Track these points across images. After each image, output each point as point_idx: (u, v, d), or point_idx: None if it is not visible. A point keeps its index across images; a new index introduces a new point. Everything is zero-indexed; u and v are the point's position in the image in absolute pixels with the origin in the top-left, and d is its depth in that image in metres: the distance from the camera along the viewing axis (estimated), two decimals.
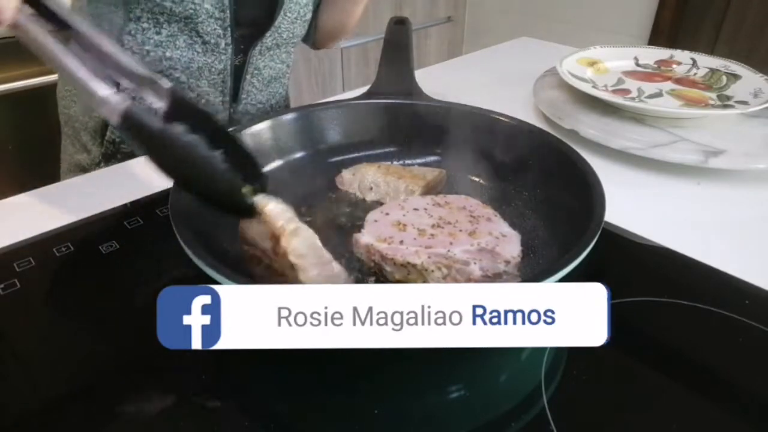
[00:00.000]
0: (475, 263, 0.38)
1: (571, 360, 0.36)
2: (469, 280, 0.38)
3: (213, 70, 0.73)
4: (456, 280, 0.38)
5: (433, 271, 0.39)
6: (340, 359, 0.37)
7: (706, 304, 0.41)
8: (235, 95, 0.76)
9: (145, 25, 0.68)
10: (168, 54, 0.70)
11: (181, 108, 0.38)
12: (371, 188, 0.51)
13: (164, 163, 0.36)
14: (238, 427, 0.32)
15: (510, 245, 0.40)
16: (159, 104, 0.38)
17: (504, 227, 0.43)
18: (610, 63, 0.78)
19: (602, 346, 0.38)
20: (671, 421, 0.32)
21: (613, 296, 0.41)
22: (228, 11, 0.69)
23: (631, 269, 0.46)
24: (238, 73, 0.76)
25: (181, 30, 0.69)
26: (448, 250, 0.40)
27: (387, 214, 0.45)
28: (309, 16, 0.78)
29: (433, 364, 0.37)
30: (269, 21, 0.73)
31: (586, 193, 0.40)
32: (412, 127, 0.56)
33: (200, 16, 0.67)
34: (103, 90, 0.36)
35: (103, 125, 0.74)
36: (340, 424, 0.33)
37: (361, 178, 0.51)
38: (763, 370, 0.36)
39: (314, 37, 0.87)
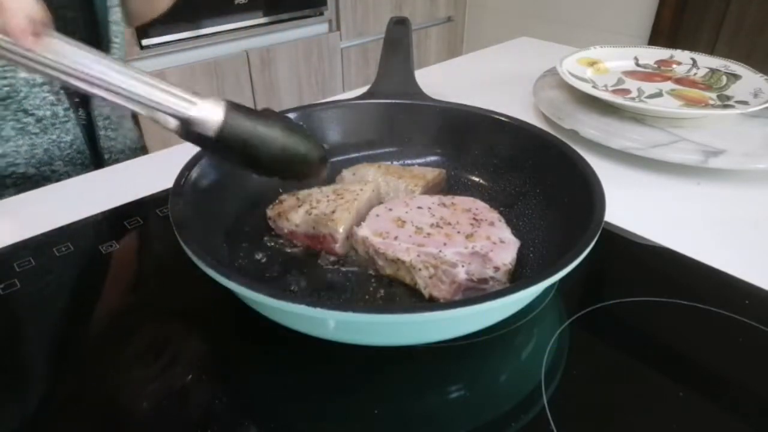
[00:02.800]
0: (462, 266, 0.38)
1: (571, 360, 0.36)
2: (453, 282, 0.38)
3: (62, 146, 0.61)
4: (441, 281, 0.39)
5: (420, 269, 0.39)
6: (340, 359, 0.37)
7: (706, 304, 0.41)
8: (98, 161, 0.65)
9: None
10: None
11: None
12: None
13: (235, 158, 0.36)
14: (238, 428, 0.32)
15: (504, 252, 0.40)
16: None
17: (505, 233, 0.43)
18: (610, 63, 0.78)
19: (602, 346, 0.38)
20: (671, 421, 0.32)
21: (613, 296, 0.42)
22: None
23: (631, 269, 0.46)
24: (89, 133, 0.64)
25: (2, 116, 0.56)
26: (440, 251, 0.40)
27: (390, 210, 0.45)
28: (123, 36, 0.68)
29: (433, 364, 0.37)
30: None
31: (586, 193, 0.40)
32: (412, 127, 0.56)
33: (20, 90, 0.55)
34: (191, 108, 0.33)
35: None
36: (340, 424, 0.33)
37: (361, 178, 0.51)
38: (763, 370, 0.36)
39: (125, 19, 0.74)
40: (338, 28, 1.98)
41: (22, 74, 0.55)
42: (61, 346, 0.39)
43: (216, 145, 0.35)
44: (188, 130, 0.35)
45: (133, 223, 0.50)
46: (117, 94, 0.33)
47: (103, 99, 0.34)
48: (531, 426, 0.32)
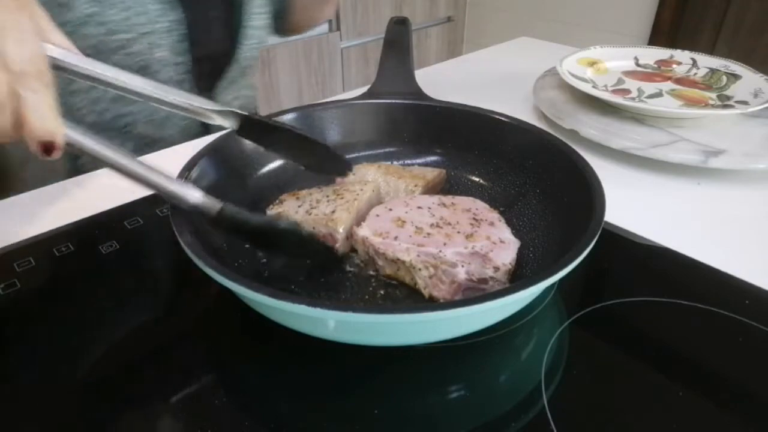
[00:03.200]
0: (462, 266, 0.38)
1: (571, 360, 0.36)
2: (453, 282, 0.38)
3: (179, 116, 0.68)
4: (441, 281, 0.39)
5: (420, 269, 0.39)
6: (340, 359, 0.37)
7: (706, 304, 0.41)
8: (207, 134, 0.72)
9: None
10: (126, 109, 0.65)
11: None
12: None
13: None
14: (238, 428, 0.32)
15: (505, 252, 0.40)
16: None
17: (505, 233, 0.43)
18: (610, 63, 0.78)
19: (602, 346, 0.38)
20: (671, 421, 0.32)
21: (613, 296, 0.42)
22: (186, 55, 0.65)
23: (631, 269, 0.46)
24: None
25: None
26: (440, 251, 0.40)
27: (390, 209, 0.45)
28: (267, 37, 0.75)
29: (433, 364, 0.37)
30: (228, 55, 0.70)
31: (586, 193, 0.40)
32: (411, 127, 0.56)
33: (152, 65, 0.63)
34: (193, 195, 0.38)
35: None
36: (340, 424, 0.33)
37: (361, 178, 0.51)
38: (763, 370, 0.36)
39: (282, 28, 0.83)
40: (338, 28, 1.98)
41: (159, 53, 0.62)
42: (61, 346, 0.39)
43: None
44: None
45: (133, 223, 0.50)
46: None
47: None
48: (531, 426, 0.32)
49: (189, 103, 0.40)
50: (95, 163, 0.36)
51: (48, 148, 0.33)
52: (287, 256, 0.43)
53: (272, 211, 0.47)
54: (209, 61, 0.69)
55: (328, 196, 0.47)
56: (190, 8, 0.64)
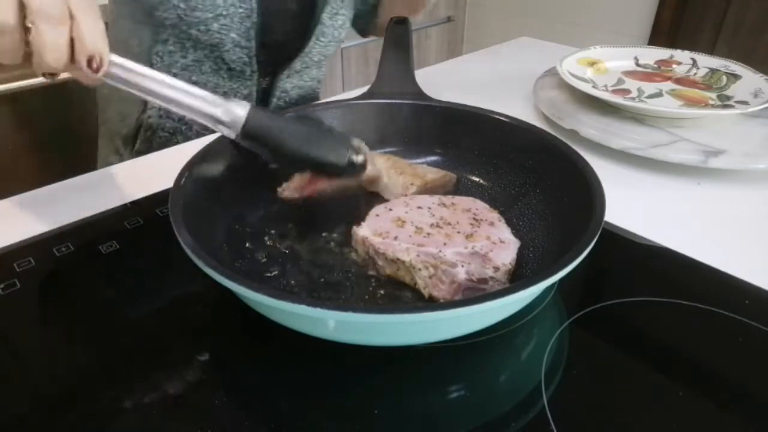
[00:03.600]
0: (462, 266, 0.38)
1: (571, 360, 0.36)
2: (453, 282, 0.38)
3: (238, 95, 0.73)
4: (441, 281, 0.39)
5: (420, 269, 0.39)
6: (340, 359, 0.37)
7: (706, 304, 0.41)
8: None
9: (172, 48, 0.68)
10: (194, 78, 0.70)
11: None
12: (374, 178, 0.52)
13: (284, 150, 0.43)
14: (238, 427, 0.32)
15: (504, 252, 0.40)
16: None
17: (505, 233, 0.43)
18: (610, 63, 0.78)
19: (602, 346, 0.38)
20: (671, 421, 0.32)
21: (613, 296, 0.42)
22: (254, 41, 0.68)
23: (631, 269, 0.46)
24: (264, 97, 0.75)
25: (207, 56, 0.69)
26: (440, 251, 0.40)
27: (390, 209, 0.45)
28: (344, 35, 0.77)
29: (433, 364, 0.37)
30: (300, 46, 0.72)
31: (586, 193, 0.40)
32: (412, 127, 0.56)
33: (226, 44, 0.67)
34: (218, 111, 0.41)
35: (135, 134, 0.74)
36: (340, 424, 0.33)
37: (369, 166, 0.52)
38: (763, 370, 0.36)
39: (366, 29, 0.86)
40: None
41: (232, 35, 0.67)
42: (61, 346, 0.39)
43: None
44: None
45: (133, 223, 0.50)
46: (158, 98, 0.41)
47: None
48: (531, 426, 0.32)
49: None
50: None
51: (94, 64, 0.37)
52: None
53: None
54: (276, 50, 0.72)
55: None
56: None
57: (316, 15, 0.71)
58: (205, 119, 0.41)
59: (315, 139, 0.43)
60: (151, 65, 0.68)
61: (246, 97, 0.73)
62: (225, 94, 0.69)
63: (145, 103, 0.73)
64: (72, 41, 0.36)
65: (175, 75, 0.67)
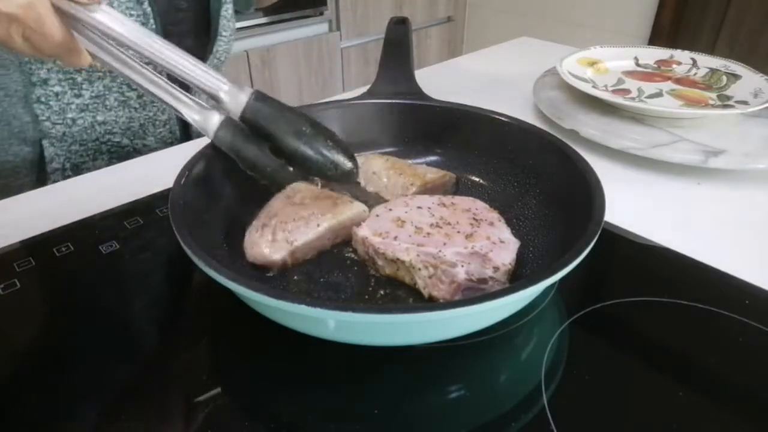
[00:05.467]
0: (462, 266, 0.38)
1: (571, 360, 0.36)
2: (453, 282, 0.38)
3: (157, 123, 0.66)
4: (440, 281, 0.39)
5: (420, 269, 0.39)
6: (340, 359, 0.37)
7: (706, 304, 0.41)
8: (186, 141, 0.69)
9: (58, 88, 0.58)
10: (100, 118, 0.61)
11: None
12: (373, 179, 0.52)
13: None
14: (238, 427, 0.32)
15: (504, 252, 0.40)
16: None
17: (504, 233, 0.43)
18: (610, 63, 0.78)
19: (602, 346, 0.38)
20: (671, 421, 0.32)
21: (613, 296, 0.42)
22: None
23: (631, 269, 0.46)
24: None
25: (108, 87, 0.60)
26: (439, 251, 0.40)
27: (390, 210, 0.45)
28: (235, 28, 0.73)
29: (433, 364, 0.37)
30: (205, 48, 0.67)
31: (586, 193, 0.40)
32: (412, 127, 0.56)
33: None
34: (194, 113, 0.42)
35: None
36: (340, 424, 0.33)
37: (368, 168, 0.52)
38: (763, 370, 0.36)
39: (247, 5, 0.81)
40: (338, 28, 1.98)
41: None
42: (61, 347, 0.39)
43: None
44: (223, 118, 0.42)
45: (133, 223, 0.50)
46: (162, 65, 0.41)
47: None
48: (531, 426, 0.32)
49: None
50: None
51: None
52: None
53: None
54: None
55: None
56: (156, 0, 0.61)
57: (213, 9, 0.67)
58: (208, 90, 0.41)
59: (311, 133, 0.44)
60: (35, 117, 0.60)
61: (166, 124, 0.67)
62: (142, 126, 0.64)
63: (39, 169, 0.65)
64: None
65: (74, 121, 0.61)
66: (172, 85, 0.43)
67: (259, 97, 0.43)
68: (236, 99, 0.42)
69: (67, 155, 0.66)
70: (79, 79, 0.59)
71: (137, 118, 0.64)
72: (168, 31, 0.63)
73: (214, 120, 0.43)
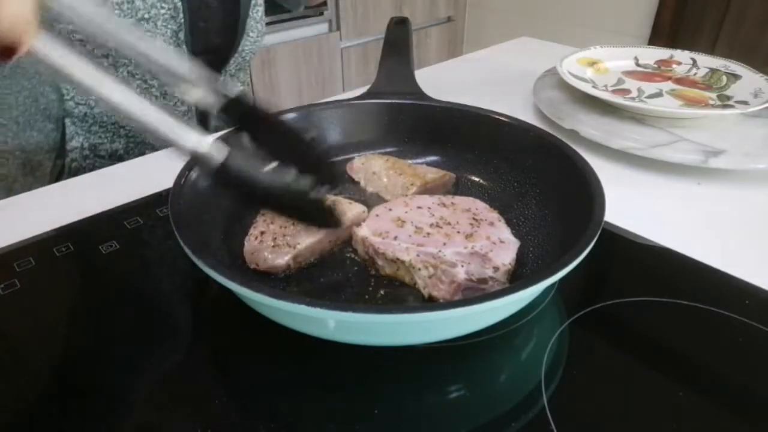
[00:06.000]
0: (462, 266, 0.38)
1: (571, 360, 0.36)
2: (452, 282, 0.38)
3: (176, 114, 0.64)
4: (440, 281, 0.39)
5: (420, 269, 0.39)
6: (340, 359, 0.37)
7: (706, 304, 0.41)
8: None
9: None
10: None
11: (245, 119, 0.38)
12: (373, 179, 0.52)
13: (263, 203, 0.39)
14: (238, 427, 0.32)
15: (504, 252, 0.40)
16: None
17: (504, 233, 0.43)
18: (610, 63, 0.78)
19: (602, 346, 0.38)
20: (671, 421, 0.32)
21: (613, 296, 0.42)
22: (184, 46, 0.62)
23: (631, 269, 0.46)
24: (201, 111, 0.70)
25: (132, 74, 0.62)
26: (439, 251, 0.40)
27: (390, 209, 0.45)
28: (264, 30, 0.74)
29: (433, 364, 0.37)
30: (230, 47, 0.68)
31: (586, 193, 0.40)
32: (412, 127, 0.56)
33: None
34: (194, 139, 0.33)
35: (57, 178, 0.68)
36: (340, 424, 0.33)
37: (368, 168, 0.52)
38: (763, 370, 0.36)
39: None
40: (338, 28, 1.98)
41: (159, 42, 0.59)
42: (61, 347, 0.39)
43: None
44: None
45: (133, 223, 0.50)
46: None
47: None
48: (531, 426, 0.32)
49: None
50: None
51: (8, 51, 0.26)
52: (289, 217, 0.41)
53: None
54: (209, 52, 0.68)
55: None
56: None
57: (243, 7, 0.67)
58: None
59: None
60: (60, 96, 0.60)
61: (185, 114, 0.68)
62: None
63: (62, 151, 0.65)
64: None
65: (91, 107, 0.62)
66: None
67: (233, 156, 0.35)
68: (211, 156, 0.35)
69: (86, 135, 0.67)
70: (105, 63, 0.61)
71: (157, 107, 0.63)
72: (196, 27, 0.64)
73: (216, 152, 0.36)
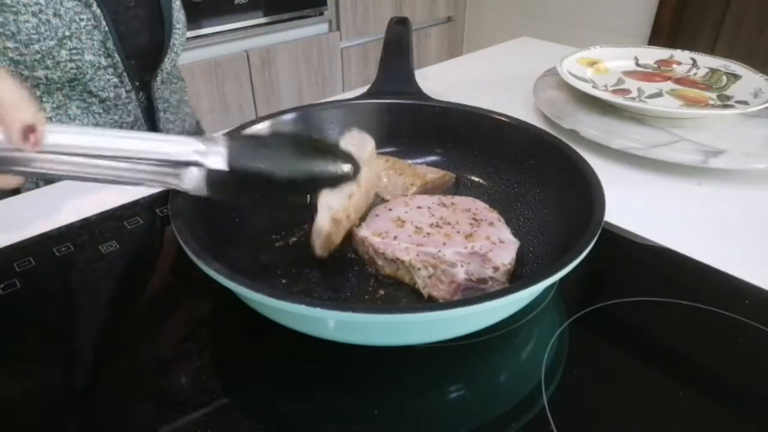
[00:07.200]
0: (461, 266, 0.38)
1: (571, 360, 0.36)
2: (452, 282, 0.38)
3: (124, 126, 0.64)
4: (440, 281, 0.39)
5: (419, 269, 0.39)
6: (340, 359, 0.37)
7: (706, 304, 0.41)
8: None
9: None
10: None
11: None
12: None
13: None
14: (238, 427, 0.32)
15: (504, 252, 0.40)
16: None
17: (504, 233, 0.43)
18: (610, 63, 0.78)
19: (602, 346, 0.38)
20: (671, 421, 0.32)
21: (613, 296, 0.42)
22: (116, 54, 0.59)
23: (631, 269, 0.46)
24: (149, 115, 0.68)
25: (68, 96, 0.59)
26: (439, 251, 0.40)
27: (390, 210, 0.45)
28: (185, 20, 0.71)
29: (433, 364, 0.37)
30: (161, 44, 0.65)
31: (586, 193, 0.40)
32: (412, 127, 0.56)
33: (86, 72, 0.58)
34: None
35: None
36: (340, 424, 0.33)
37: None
38: (763, 370, 0.36)
39: None
40: (338, 28, 1.98)
41: (88, 57, 0.57)
42: (61, 347, 0.39)
43: (234, 180, 0.37)
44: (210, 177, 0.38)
45: (133, 223, 0.50)
46: (126, 157, 0.35)
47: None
48: (531, 426, 0.32)
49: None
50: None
51: (32, 136, 0.31)
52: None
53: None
54: (142, 55, 0.65)
55: None
56: (104, 0, 0.58)
57: (164, 2, 0.65)
58: (179, 166, 0.36)
59: (302, 154, 0.39)
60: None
61: (133, 125, 0.65)
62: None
63: None
64: None
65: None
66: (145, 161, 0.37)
67: (234, 137, 0.38)
68: (215, 152, 0.37)
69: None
70: (38, 92, 0.58)
71: (102, 124, 0.61)
72: (121, 32, 0.61)
73: (216, 149, 0.38)
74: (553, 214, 0.45)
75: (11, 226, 0.50)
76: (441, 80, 0.86)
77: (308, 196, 0.42)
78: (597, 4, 1.97)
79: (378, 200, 0.50)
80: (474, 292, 0.38)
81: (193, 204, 0.41)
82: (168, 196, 0.40)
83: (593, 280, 0.44)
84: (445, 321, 0.33)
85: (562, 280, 0.33)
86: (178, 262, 0.46)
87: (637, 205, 0.54)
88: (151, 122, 0.69)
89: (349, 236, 0.44)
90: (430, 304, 0.38)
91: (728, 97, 0.68)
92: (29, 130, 0.32)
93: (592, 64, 0.77)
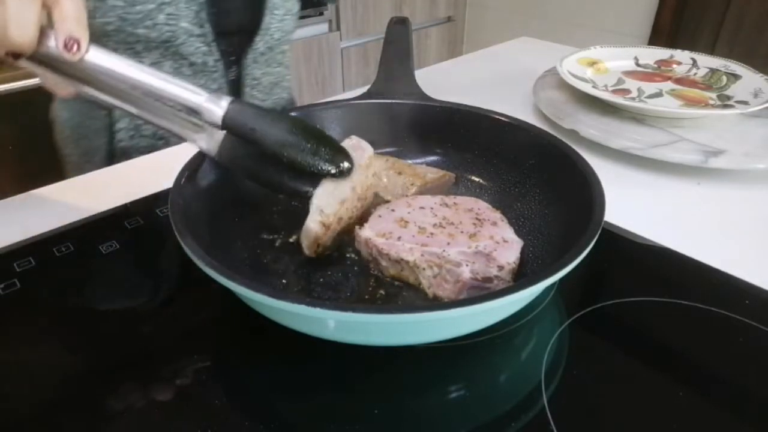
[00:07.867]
0: (466, 265, 0.38)
1: (571, 360, 0.36)
2: (457, 281, 0.38)
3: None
4: (445, 280, 0.39)
5: (424, 269, 0.39)
6: (340, 359, 0.37)
7: (706, 304, 0.41)
8: None
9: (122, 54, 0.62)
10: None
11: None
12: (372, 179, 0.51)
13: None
14: (238, 427, 0.32)
15: (508, 251, 0.40)
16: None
17: (507, 233, 0.43)
18: (610, 63, 0.78)
19: (602, 346, 0.38)
20: (671, 421, 0.32)
21: (613, 296, 0.42)
22: (207, 25, 0.64)
23: (631, 269, 0.46)
24: (235, 89, 0.72)
25: (164, 55, 0.65)
26: (443, 250, 0.40)
27: (393, 210, 0.45)
28: (298, 8, 0.75)
29: (433, 364, 0.37)
30: (256, 25, 0.69)
31: (586, 193, 0.40)
32: (411, 127, 0.56)
33: (179, 37, 0.63)
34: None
35: (108, 164, 0.71)
36: (340, 424, 0.33)
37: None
38: (763, 370, 0.36)
39: None
40: (338, 28, 1.98)
41: (183, 24, 0.63)
42: (61, 347, 0.39)
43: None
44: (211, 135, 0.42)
45: (133, 223, 0.50)
46: (150, 92, 0.39)
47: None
48: (531, 426, 0.32)
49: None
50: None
51: (73, 47, 0.36)
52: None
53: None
54: (233, 32, 0.69)
55: None
56: None
57: None
58: (187, 112, 0.40)
59: (296, 131, 0.41)
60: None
61: (216, 92, 0.70)
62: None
63: (111, 133, 0.69)
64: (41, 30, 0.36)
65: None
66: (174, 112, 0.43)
67: (238, 102, 0.41)
68: (216, 107, 0.40)
69: (132, 116, 0.69)
70: (138, 48, 0.64)
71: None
72: (220, 7, 0.65)
73: (216, 139, 0.43)
74: (553, 214, 0.45)
75: (11, 226, 0.50)
76: (441, 80, 0.86)
77: (308, 189, 0.42)
78: (597, 4, 1.97)
79: (378, 200, 0.50)
80: (479, 291, 0.38)
81: (193, 204, 0.41)
82: (168, 196, 0.40)
83: (593, 280, 0.44)
84: (445, 321, 0.33)
85: (562, 280, 0.33)
86: (178, 262, 0.46)
87: (637, 205, 0.54)
88: (236, 96, 0.71)
89: (350, 236, 0.44)
90: (430, 303, 0.38)
91: (728, 97, 0.68)
92: (73, 42, 0.36)
93: (592, 64, 0.77)
